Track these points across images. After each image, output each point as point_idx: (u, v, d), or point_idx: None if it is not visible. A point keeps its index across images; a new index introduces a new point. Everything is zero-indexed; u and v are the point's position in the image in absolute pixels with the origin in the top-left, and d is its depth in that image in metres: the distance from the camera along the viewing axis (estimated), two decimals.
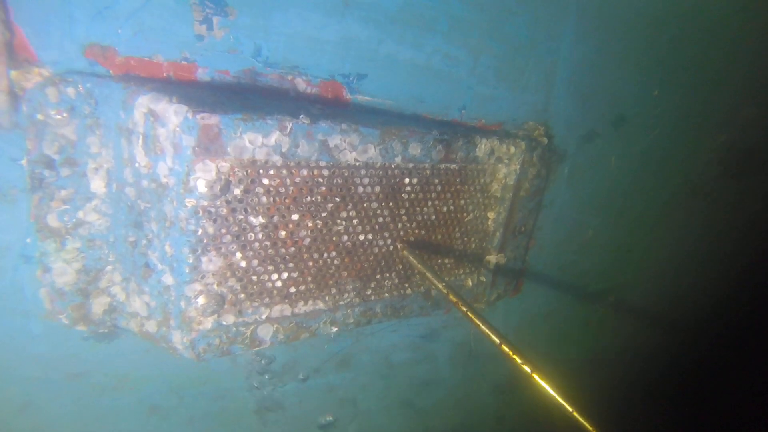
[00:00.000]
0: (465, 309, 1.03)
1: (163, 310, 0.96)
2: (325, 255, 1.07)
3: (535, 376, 0.90)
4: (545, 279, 1.61)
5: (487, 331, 0.99)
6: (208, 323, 0.97)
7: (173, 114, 0.81)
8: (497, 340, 0.96)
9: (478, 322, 1.01)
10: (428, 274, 1.09)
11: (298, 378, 1.32)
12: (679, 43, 1.45)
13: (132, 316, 1.03)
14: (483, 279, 1.40)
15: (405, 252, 1.16)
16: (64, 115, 0.89)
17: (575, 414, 0.85)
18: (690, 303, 2.19)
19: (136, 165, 0.90)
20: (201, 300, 0.94)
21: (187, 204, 0.86)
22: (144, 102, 0.85)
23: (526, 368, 0.91)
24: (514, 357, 0.93)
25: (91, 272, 1.00)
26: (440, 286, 1.07)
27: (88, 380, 1.09)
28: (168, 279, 0.93)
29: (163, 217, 0.89)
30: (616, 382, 2.15)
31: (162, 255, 0.92)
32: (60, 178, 0.93)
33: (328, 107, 1.06)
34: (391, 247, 1.17)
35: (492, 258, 1.37)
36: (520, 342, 1.71)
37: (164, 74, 0.94)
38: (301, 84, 1.05)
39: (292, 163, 0.94)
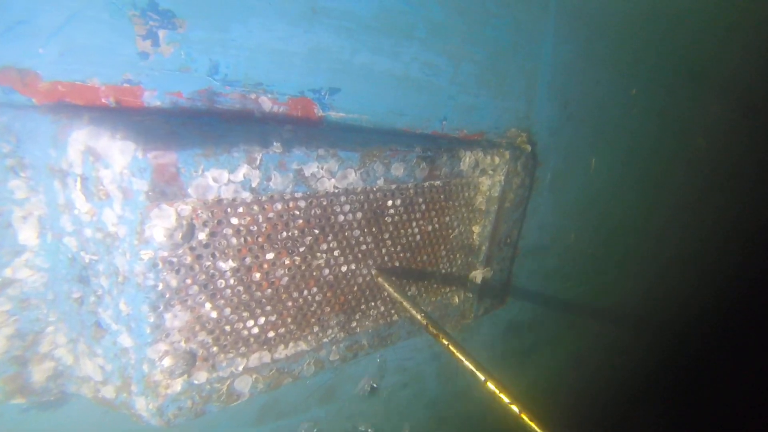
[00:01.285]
0: (446, 342, 0.95)
1: (122, 374, 0.83)
2: (306, 292, 0.96)
3: (524, 417, 0.84)
4: (529, 287, 1.57)
5: (471, 366, 0.91)
6: (177, 385, 0.84)
7: (118, 153, 0.68)
8: (482, 377, 0.89)
9: (460, 356, 0.93)
10: (405, 304, 1.00)
11: (278, 418, 1.21)
12: (655, 41, 1.43)
13: (83, 380, 0.88)
14: (470, 295, 1.33)
15: (380, 279, 1.06)
16: None
17: None
18: (674, 304, 2.24)
19: (76, 212, 0.75)
20: (167, 361, 0.81)
21: (143, 257, 0.72)
22: (80, 138, 0.70)
23: (515, 408, 0.85)
24: (501, 396, 0.87)
25: (27, 336, 0.85)
26: (419, 316, 0.98)
27: None
28: (125, 340, 0.80)
29: (115, 272, 0.76)
30: (602, 380, 2.18)
31: (116, 314, 0.79)
32: None
33: (300, 128, 0.95)
34: (389, 266, 1.08)
35: (478, 273, 1.31)
36: (505, 350, 1.68)
37: (103, 100, 0.79)
38: (266, 103, 0.92)
39: (263, 198, 0.82)
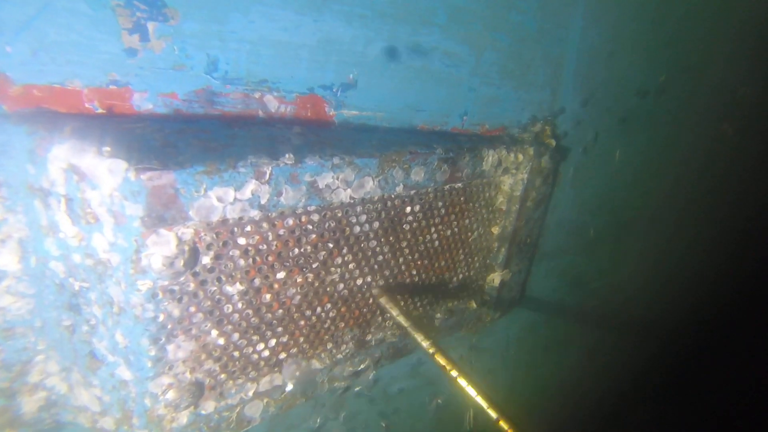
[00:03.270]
0: (455, 374, 0.89)
1: (122, 407, 0.76)
2: (319, 309, 0.89)
3: None
4: (546, 285, 1.51)
5: (483, 403, 0.86)
6: (183, 418, 0.77)
7: (107, 172, 0.58)
8: (494, 415, 0.84)
9: (470, 392, 0.87)
10: (411, 330, 0.92)
11: (288, 430, 1.16)
12: (687, 22, 1.32)
13: (79, 410, 0.81)
14: (487, 298, 1.27)
15: (382, 300, 0.96)
16: None
17: None
18: (687, 300, 2.18)
19: (61, 235, 0.66)
20: (171, 394, 0.74)
21: (140, 288, 0.64)
22: (60, 154, 0.61)
23: None
24: None
25: (13, 367, 0.77)
26: (425, 345, 0.91)
27: None
28: (124, 373, 0.72)
29: (109, 301, 0.67)
30: (612, 376, 2.16)
31: (112, 345, 0.71)
32: None
33: (310, 129, 0.85)
34: (393, 284, 1.00)
35: (496, 276, 1.24)
36: (520, 350, 1.63)
37: (87, 105, 0.69)
38: (272, 102, 0.82)
39: (273, 215, 0.74)
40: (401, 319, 0.93)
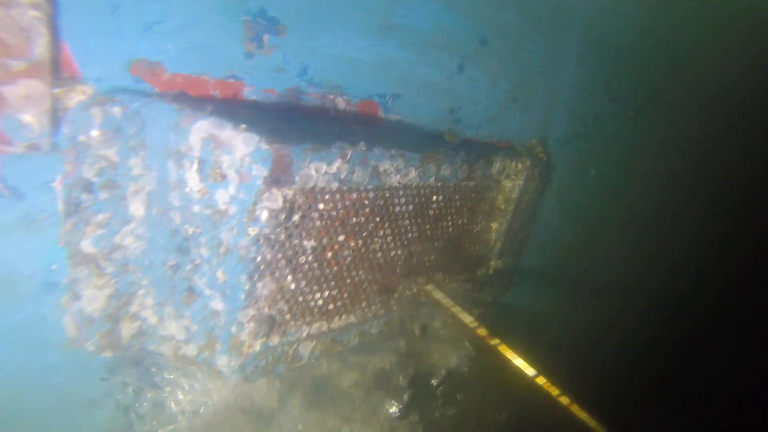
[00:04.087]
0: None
1: (208, 334, 0.94)
2: (361, 271, 1.10)
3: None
4: (529, 281, 1.76)
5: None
6: (257, 346, 0.96)
7: (242, 143, 0.79)
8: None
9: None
10: (455, 311, 1.15)
11: None
12: (654, 70, 1.64)
13: (165, 339, 0.99)
14: (481, 284, 1.51)
15: (428, 287, 1.20)
16: (109, 136, 0.82)
17: None
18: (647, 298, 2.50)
19: (187, 190, 0.86)
20: (252, 324, 0.93)
21: (250, 233, 0.84)
22: (204, 127, 0.81)
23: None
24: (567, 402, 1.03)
25: (122, 297, 0.94)
26: (468, 320, 1.14)
27: (107, 411, 1.03)
28: (217, 305, 0.91)
29: (218, 244, 0.87)
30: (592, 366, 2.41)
31: (212, 281, 0.90)
32: (98, 202, 0.86)
33: (367, 126, 1.08)
34: (414, 261, 1.23)
35: (491, 264, 1.48)
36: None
37: (211, 92, 0.90)
38: (341, 103, 1.05)
39: (345, 188, 0.95)
40: (448, 303, 1.16)
